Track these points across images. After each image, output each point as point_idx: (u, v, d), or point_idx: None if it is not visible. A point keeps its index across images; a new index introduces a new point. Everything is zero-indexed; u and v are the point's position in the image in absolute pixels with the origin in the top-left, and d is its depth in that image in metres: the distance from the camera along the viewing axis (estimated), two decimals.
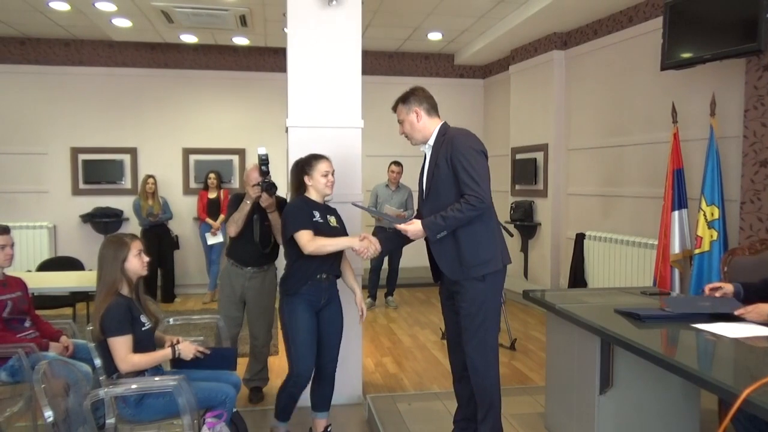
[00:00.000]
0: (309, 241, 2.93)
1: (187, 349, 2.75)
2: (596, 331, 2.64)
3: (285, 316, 3.06)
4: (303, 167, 3.13)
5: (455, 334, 2.95)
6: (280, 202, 3.71)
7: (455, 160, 2.72)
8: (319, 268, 3.05)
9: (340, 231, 3.16)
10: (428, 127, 2.89)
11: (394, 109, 2.97)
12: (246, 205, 3.65)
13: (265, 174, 3.54)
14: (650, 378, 2.78)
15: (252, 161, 3.78)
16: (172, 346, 2.74)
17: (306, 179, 3.11)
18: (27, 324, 3.30)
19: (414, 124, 2.88)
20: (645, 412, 2.82)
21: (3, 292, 3.23)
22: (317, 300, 3.09)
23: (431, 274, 2.98)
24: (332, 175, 3.12)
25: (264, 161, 3.51)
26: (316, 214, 3.05)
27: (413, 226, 2.79)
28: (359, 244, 2.99)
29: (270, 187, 3.55)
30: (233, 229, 3.71)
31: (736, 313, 2.55)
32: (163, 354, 2.70)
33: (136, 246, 2.77)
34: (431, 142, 2.88)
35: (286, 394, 3.11)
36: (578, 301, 3.23)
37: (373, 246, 2.99)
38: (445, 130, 2.87)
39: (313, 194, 3.12)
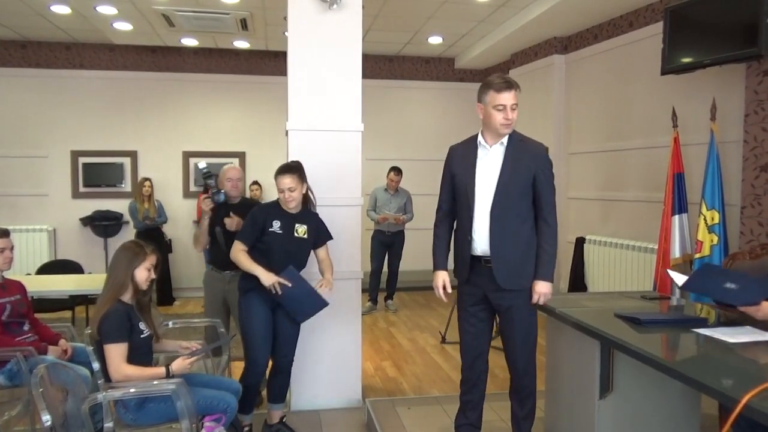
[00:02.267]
0: (234, 252, 3.20)
1: (181, 367, 2.70)
2: (596, 335, 2.63)
3: (242, 311, 3.24)
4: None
5: (480, 341, 2.94)
6: (249, 202, 4.05)
7: (542, 176, 2.76)
8: (271, 269, 3.17)
9: (306, 242, 3.29)
10: None
11: (510, 88, 2.73)
12: (205, 220, 3.82)
13: (215, 186, 3.78)
14: (650, 383, 2.77)
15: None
16: (166, 367, 2.70)
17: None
18: (26, 327, 3.29)
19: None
20: (645, 417, 2.81)
21: (2, 295, 3.22)
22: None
23: (457, 272, 2.91)
24: (290, 191, 3.15)
25: (205, 175, 3.75)
26: (276, 224, 3.18)
27: (544, 288, 2.80)
28: (267, 282, 3.10)
29: (223, 196, 3.78)
30: (199, 247, 3.95)
31: (742, 308, 2.52)
32: (157, 372, 2.66)
33: (151, 260, 2.79)
34: (505, 141, 2.79)
35: (244, 387, 3.14)
36: (578, 305, 3.21)
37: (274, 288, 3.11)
38: (517, 134, 2.81)
39: (281, 196, 3.23)
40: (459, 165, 2.86)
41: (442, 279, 2.88)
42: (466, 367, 2.98)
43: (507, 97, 2.69)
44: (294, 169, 3.21)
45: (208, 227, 3.83)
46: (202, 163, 3.85)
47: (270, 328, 3.25)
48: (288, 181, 3.15)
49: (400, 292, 7.37)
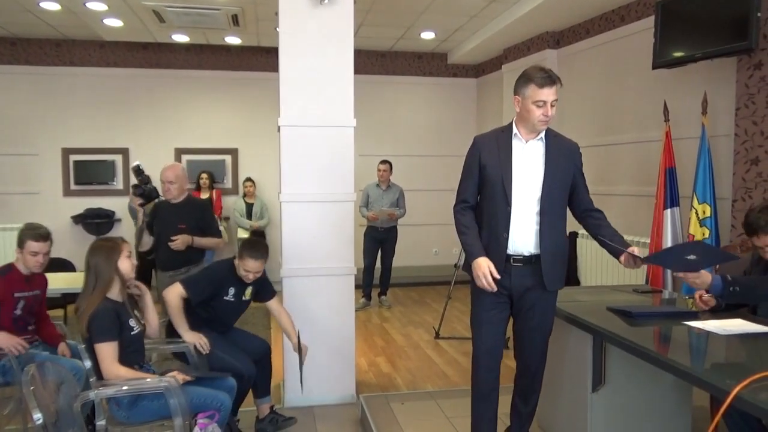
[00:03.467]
0: (172, 295, 3.10)
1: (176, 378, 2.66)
2: (588, 329, 2.65)
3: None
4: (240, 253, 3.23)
5: (501, 344, 2.77)
6: (195, 201, 4.05)
7: (579, 174, 2.73)
8: (208, 324, 3.23)
9: (249, 301, 3.36)
10: None
11: (552, 84, 2.55)
12: (139, 220, 3.86)
13: (143, 182, 3.73)
14: (642, 375, 2.79)
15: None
16: (159, 376, 2.70)
17: (235, 262, 3.24)
18: (30, 328, 3.24)
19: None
20: (637, 410, 2.83)
21: (23, 288, 3.19)
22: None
23: (492, 277, 2.59)
24: (255, 273, 3.19)
25: (137, 172, 3.73)
26: (231, 291, 3.23)
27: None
28: (189, 341, 3.11)
29: (152, 193, 3.75)
30: (142, 246, 3.95)
31: (680, 274, 2.58)
32: (149, 377, 2.64)
33: (126, 248, 2.80)
34: (542, 136, 2.66)
35: (239, 396, 3.18)
36: (571, 300, 3.22)
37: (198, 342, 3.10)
38: (549, 129, 2.69)
39: (241, 271, 3.24)
40: (491, 157, 2.64)
41: (487, 264, 2.56)
42: (489, 370, 2.76)
43: (548, 93, 2.53)
44: (265, 254, 3.23)
45: (146, 225, 3.88)
46: (136, 161, 3.86)
47: (228, 340, 3.28)
48: (257, 265, 3.20)
49: (394, 288, 7.37)
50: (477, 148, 2.71)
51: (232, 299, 3.25)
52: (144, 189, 3.80)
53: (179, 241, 3.81)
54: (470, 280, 2.68)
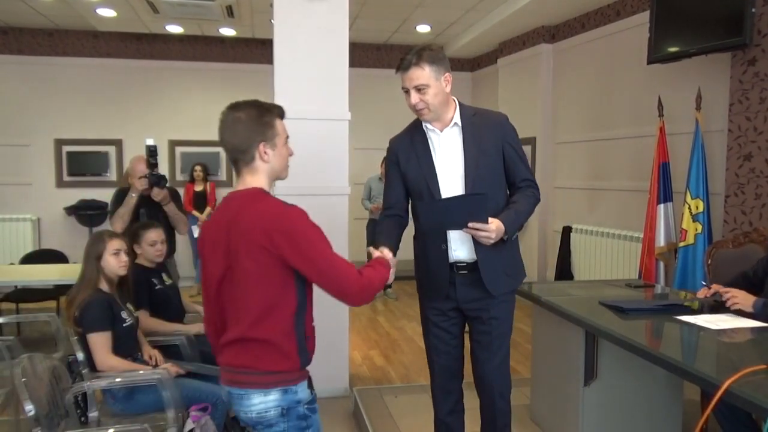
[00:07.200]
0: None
1: (168, 372, 2.64)
2: (581, 323, 2.66)
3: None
4: (132, 236, 3.14)
5: (456, 359, 2.50)
6: (172, 193, 3.70)
7: (509, 147, 2.30)
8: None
9: (175, 284, 3.40)
10: (450, 101, 2.32)
11: (405, 68, 2.22)
12: (132, 199, 3.47)
13: (153, 166, 3.45)
14: (634, 369, 2.81)
15: (138, 152, 3.70)
16: (154, 364, 2.71)
17: (135, 248, 3.14)
18: None
19: (442, 94, 2.24)
20: (629, 404, 2.85)
21: None
22: None
23: (427, 291, 2.44)
24: (161, 243, 3.18)
25: (153, 153, 3.43)
26: (155, 281, 3.19)
27: (495, 226, 2.14)
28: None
29: (159, 180, 3.46)
30: (119, 225, 3.51)
31: (472, 233, 2.17)
32: (143, 369, 2.63)
33: (113, 245, 2.73)
34: (458, 120, 2.30)
35: None
36: (564, 294, 3.24)
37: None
38: (468, 108, 2.35)
39: (144, 261, 3.19)
40: (409, 159, 2.35)
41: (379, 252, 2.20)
42: (445, 390, 2.56)
43: (405, 78, 2.23)
44: (153, 222, 3.24)
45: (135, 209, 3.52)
46: (150, 140, 3.50)
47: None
48: (158, 232, 3.19)
49: None
50: (393, 152, 2.42)
51: (161, 286, 3.22)
52: (160, 175, 3.50)
53: (162, 193, 3.51)
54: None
